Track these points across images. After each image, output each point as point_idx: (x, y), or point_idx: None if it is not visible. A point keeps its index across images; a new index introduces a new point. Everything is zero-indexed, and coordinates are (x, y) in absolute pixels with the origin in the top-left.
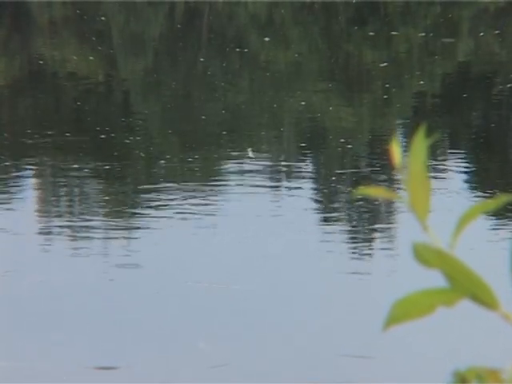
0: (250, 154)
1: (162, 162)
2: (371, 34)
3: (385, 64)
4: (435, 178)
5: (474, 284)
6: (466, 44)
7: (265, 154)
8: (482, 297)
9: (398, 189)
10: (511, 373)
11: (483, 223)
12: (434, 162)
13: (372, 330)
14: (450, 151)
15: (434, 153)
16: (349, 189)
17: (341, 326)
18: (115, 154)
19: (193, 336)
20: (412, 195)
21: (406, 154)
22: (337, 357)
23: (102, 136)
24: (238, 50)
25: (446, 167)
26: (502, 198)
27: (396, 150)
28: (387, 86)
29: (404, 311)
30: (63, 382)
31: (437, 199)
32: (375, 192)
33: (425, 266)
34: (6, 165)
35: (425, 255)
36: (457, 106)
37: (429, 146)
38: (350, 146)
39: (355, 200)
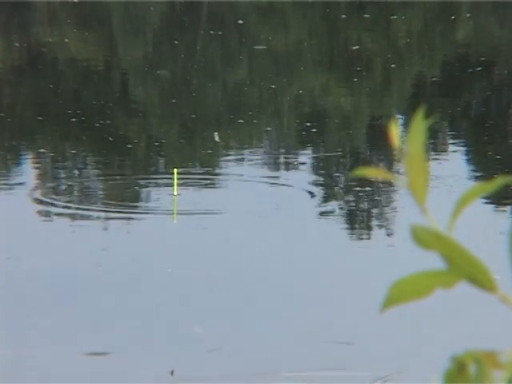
0: (216, 138)
1: (158, 148)
2: (366, 16)
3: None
4: (436, 161)
5: (472, 266)
6: (464, 29)
7: (264, 138)
8: (480, 279)
9: (399, 171)
10: (509, 355)
11: (482, 205)
12: (435, 145)
13: (364, 317)
14: (450, 134)
15: (435, 136)
16: (348, 171)
17: (331, 313)
18: (114, 139)
19: (185, 321)
20: (410, 177)
21: (405, 136)
22: (326, 343)
23: (100, 120)
24: (237, 35)
25: (446, 150)
26: (499, 180)
27: (395, 132)
28: (386, 70)
29: (402, 293)
30: (56, 368)
31: (437, 182)
32: (373, 173)
33: (423, 248)
34: (5, 150)
35: (423, 237)
36: (456, 90)
37: (428, 128)
38: (350, 130)
39: (354, 182)
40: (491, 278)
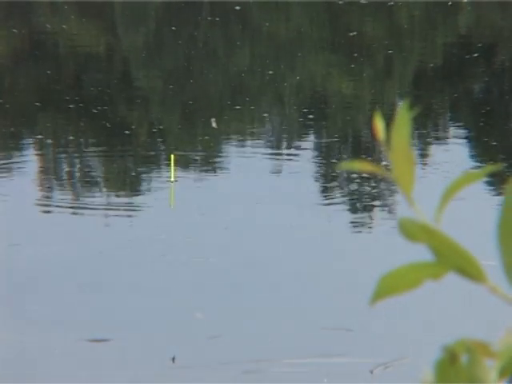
0: (214, 125)
1: (161, 132)
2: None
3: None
4: (434, 147)
5: (460, 257)
6: (466, 14)
7: (266, 126)
8: (469, 270)
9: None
10: (500, 345)
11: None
12: (435, 133)
13: (364, 303)
14: (449, 120)
15: (434, 122)
16: (342, 160)
17: (331, 299)
18: (112, 125)
19: (186, 307)
20: (396, 169)
21: (390, 128)
22: (326, 330)
23: (98, 106)
24: (239, 21)
25: (444, 136)
26: (486, 169)
27: (379, 124)
28: (387, 56)
29: (391, 285)
30: (57, 355)
31: (434, 168)
32: (359, 166)
33: (411, 240)
34: (4, 136)
35: (410, 230)
36: (458, 76)
37: (427, 115)
38: (349, 117)
39: (352, 172)
40: (480, 268)
